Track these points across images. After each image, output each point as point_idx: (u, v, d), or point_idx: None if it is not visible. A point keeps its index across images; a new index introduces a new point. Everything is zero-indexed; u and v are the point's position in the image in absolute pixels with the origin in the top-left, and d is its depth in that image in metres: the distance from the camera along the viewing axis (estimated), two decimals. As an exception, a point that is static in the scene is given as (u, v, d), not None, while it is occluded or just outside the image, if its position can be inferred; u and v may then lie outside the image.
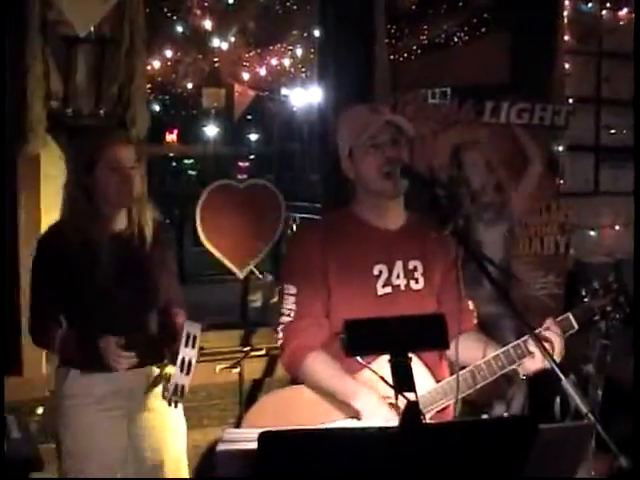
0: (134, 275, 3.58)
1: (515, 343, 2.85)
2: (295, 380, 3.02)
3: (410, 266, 3.04)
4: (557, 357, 2.79)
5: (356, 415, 2.82)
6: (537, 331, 2.83)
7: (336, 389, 2.87)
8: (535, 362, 2.85)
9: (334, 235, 3.05)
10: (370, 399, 2.79)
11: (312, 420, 2.79)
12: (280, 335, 3.02)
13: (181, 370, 3.45)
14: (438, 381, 2.88)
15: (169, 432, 3.71)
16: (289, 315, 2.99)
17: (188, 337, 3.47)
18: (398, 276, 3.02)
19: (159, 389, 3.62)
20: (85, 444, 3.55)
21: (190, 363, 3.46)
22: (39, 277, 3.62)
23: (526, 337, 2.81)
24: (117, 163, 3.48)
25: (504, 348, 2.87)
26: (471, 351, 2.98)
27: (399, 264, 3.02)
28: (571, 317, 2.90)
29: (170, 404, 3.54)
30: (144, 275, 3.61)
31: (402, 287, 3.01)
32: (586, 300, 2.91)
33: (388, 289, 3.00)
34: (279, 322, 3.03)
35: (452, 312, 2.71)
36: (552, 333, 2.85)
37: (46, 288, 3.60)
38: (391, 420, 2.62)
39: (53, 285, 3.56)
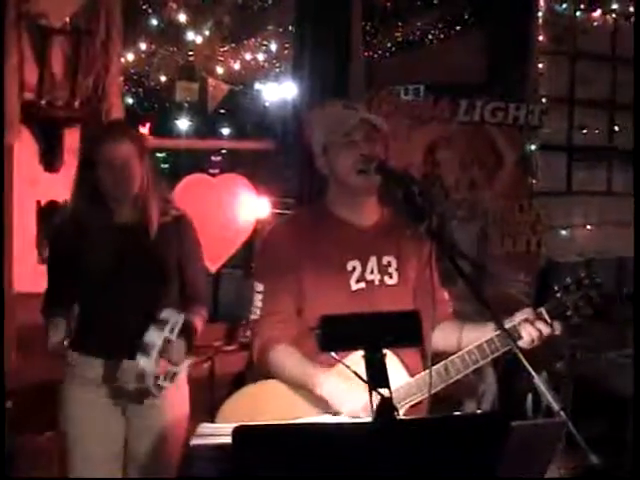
0: (138, 267, 3.56)
1: (489, 338, 2.86)
2: (268, 375, 3.02)
3: (384, 262, 3.03)
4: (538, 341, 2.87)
5: (326, 407, 2.82)
6: (511, 323, 2.88)
7: (300, 378, 2.86)
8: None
9: (307, 231, 3.03)
10: (334, 385, 2.78)
11: (287, 415, 2.78)
12: (249, 332, 3.02)
13: (136, 379, 3.36)
14: (413, 375, 2.89)
15: (165, 428, 3.61)
16: (256, 313, 2.99)
17: (145, 345, 3.34)
18: (372, 271, 3.01)
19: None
20: (80, 425, 3.54)
21: (143, 373, 3.33)
22: (50, 264, 3.68)
23: (499, 332, 2.82)
24: (113, 160, 3.47)
25: (477, 343, 2.88)
26: (447, 340, 3.04)
27: (373, 259, 3.02)
28: (544, 311, 2.92)
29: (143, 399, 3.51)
30: (149, 267, 3.58)
31: (376, 282, 3.00)
32: (558, 295, 2.92)
33: (362, 284, 2.98)
34: (248, 319, 3.03)
35: (427, 306, 2.73)
36: (540, 322, 2.89)
37: (55, 276, 3.65)
38: (359, 404, 2.64)
39: (61, 273, 3.60)
